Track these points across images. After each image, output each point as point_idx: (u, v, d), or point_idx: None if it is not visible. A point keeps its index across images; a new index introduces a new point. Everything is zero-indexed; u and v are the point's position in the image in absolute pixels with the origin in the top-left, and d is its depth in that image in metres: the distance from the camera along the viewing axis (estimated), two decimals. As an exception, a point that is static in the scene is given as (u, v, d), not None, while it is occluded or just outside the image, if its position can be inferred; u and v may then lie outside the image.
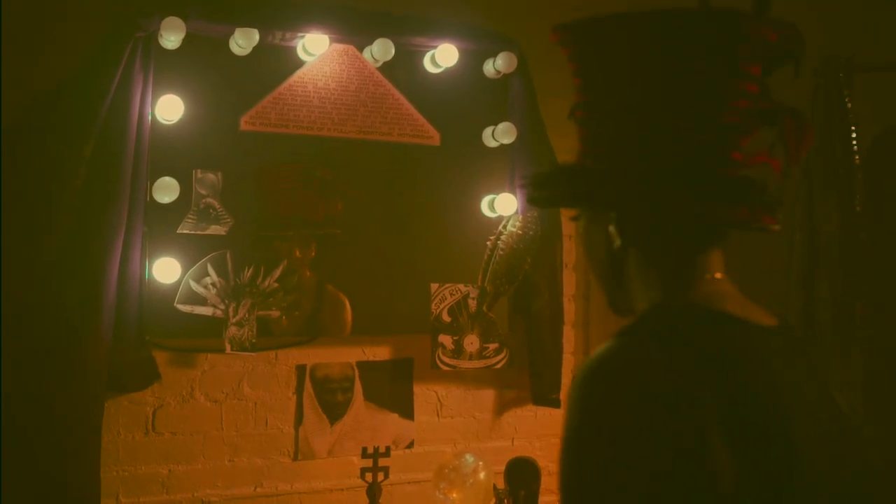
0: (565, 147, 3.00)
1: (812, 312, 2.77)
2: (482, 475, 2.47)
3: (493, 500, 2.50)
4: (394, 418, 2.78)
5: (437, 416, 2.87)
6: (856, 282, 2.71)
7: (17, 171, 2.31)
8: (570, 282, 3.10)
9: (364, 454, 2.50)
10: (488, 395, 2.93)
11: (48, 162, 2.32)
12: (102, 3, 2.44)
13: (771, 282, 2.84)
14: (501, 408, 2.95)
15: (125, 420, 2.51)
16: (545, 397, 2.90)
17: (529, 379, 2.91)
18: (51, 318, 2.31)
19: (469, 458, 2.49)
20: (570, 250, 3.06)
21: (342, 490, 2.70)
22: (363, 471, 2.49)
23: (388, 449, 2.52)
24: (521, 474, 2.56)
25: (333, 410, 2.71)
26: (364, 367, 2.75)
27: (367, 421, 2.74)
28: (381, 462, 2.49)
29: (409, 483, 2.75)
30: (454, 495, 2.44)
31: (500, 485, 2.58)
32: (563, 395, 2.98)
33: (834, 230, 2.75)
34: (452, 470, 2.47)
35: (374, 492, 2.47)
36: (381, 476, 2.49)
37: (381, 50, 2.64)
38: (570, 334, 3.09)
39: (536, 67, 2.90)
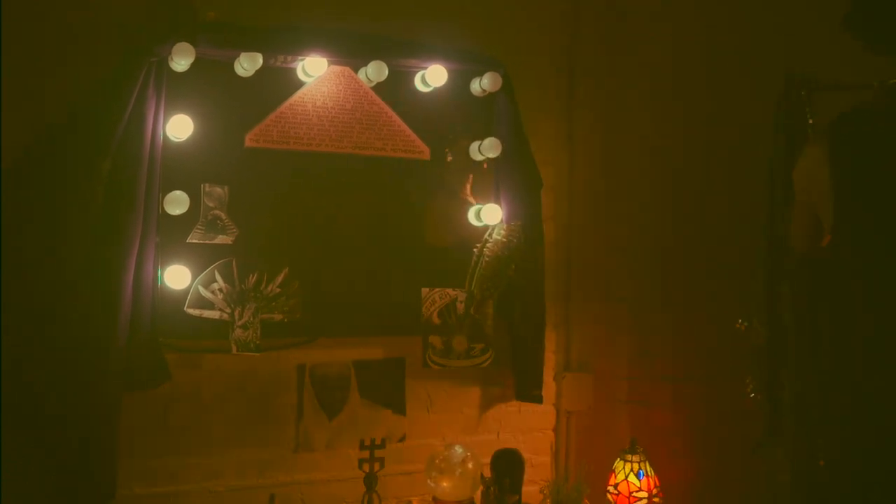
0: (545, 160, 3.23)
1: (776, 313, 2.96)
2: (470, 465, 2.68)
3: (481, 487, 2.71)
4: (387, 414, 2.99)
5: (428, 411, 3.07)
6: (815, 284, 2.91)
7: (41, 187, 2.50)
8: (558, 287, 3.31)
9: (361, 446, 2.70)
10: (475, 392, 3.14)
11: (70, 178, 2.52)
12: (119, 30, 2.63)
13: (738, 283, 3.04)
14: (487, 404, 3.16)
15: (140, 416, 2.70)
16: (528, 394, 3.11)
17: (513, 377, 3.12)
18: (73, 322, 2.51)
19: (458, 449, 2.69)
20: (551, 257, 3.26)
21: (340, 480, 2.90)
22: (361, 461, 2.69)
23: (383, 441, 2.72)
24: (506, 464, 2.78)
25: (331, 407, 2.91)
26: (359, 366, 2.95)
27: (362, 416, 2.94)
28: (377, 453, 2.70)
29: (401, 474, 2.95)
30: (444, 483, 2.65)
31: (487, 474, 2.79)
32: (545, 392, 3.19)
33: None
34: (443, 460, 2.68)
35: (370, 480, 2.68)
36: (377, 466, 2.69)
37: (375, 71, 2.84)
38: (552, 335, 3.29)
39: (520, 86, 3.11)
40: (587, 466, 3.03)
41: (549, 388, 3.27)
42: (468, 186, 3.05)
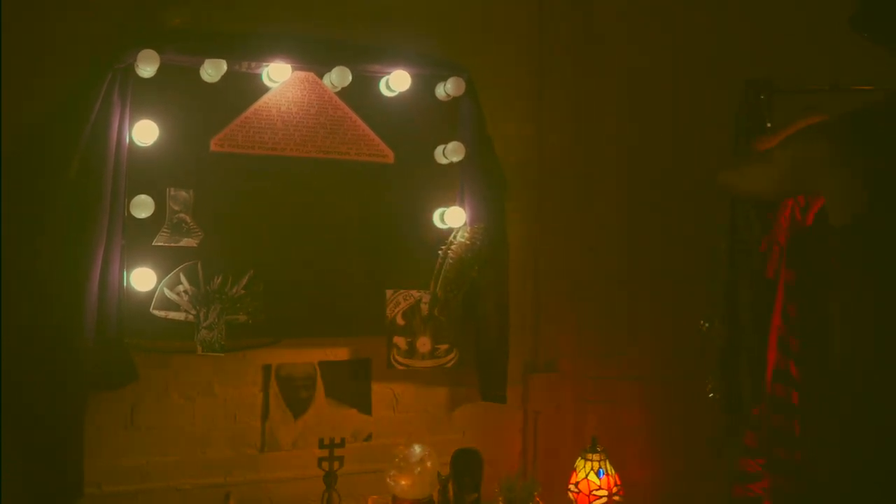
0: (515, 161, 3.28)
1: (735, 315, 3.01)
2: (429, 464, 2.73)
3: (438, 486, 2.76)
4: (353, 413, 3.04)
5: (394, 411, 3.12)
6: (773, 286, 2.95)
7: (11, 192, 2.57)
8: (526, 288, 3.36)
9: (321, 445, 2.75)
10: (441, 392, 3.19)
11: (38, 184, 2.58)
12: (86, 38, 2.69)
13: (698, 286, 3.09)
14: (453, 404, 3.21)
15: (107, 416, 2.75)
16: (492, 394, 3.15)
17: (478, 377, 3.16)
18: (39, 322, 2.57)
19: (417, 448, 2.74)
20: (520, 258, 3.32)
21: (305, 479, 2.94)
22: (320, 460, 2.74)
23: (342, 440, 2.78)
24: (466, 463, 2.83)
25: (297, 406, 2.97)
26: (325, 366, 3.01)
27: (328, 416, 2.99)
28: (337, 452, 2.75)
29: (367, 472, 2.99)
30: (403, 482, 2.70)
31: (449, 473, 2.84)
32: (512, 391, 3.24)
33: (754, 239, 2.99)
34: (402, 459, 2.73)
35: (330, 479, 2.73)
36: (336, 465, 2.75)
37: (338, 77, 2.89)
38: (520, 335, 3.34)
39: (489, 89, 3.16)
40: (549, 465, 3.09)
41: (515, 388, 3.31)
42: (433, 190, 3.10)
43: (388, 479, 2.73)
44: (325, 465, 2.75)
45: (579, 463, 3.00)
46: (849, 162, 1.94)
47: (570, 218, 3.40)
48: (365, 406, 3.06)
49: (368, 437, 3.06)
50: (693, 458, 3.25)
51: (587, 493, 2.94)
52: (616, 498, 2.96)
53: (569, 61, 3.41)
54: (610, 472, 2.97)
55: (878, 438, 1.88)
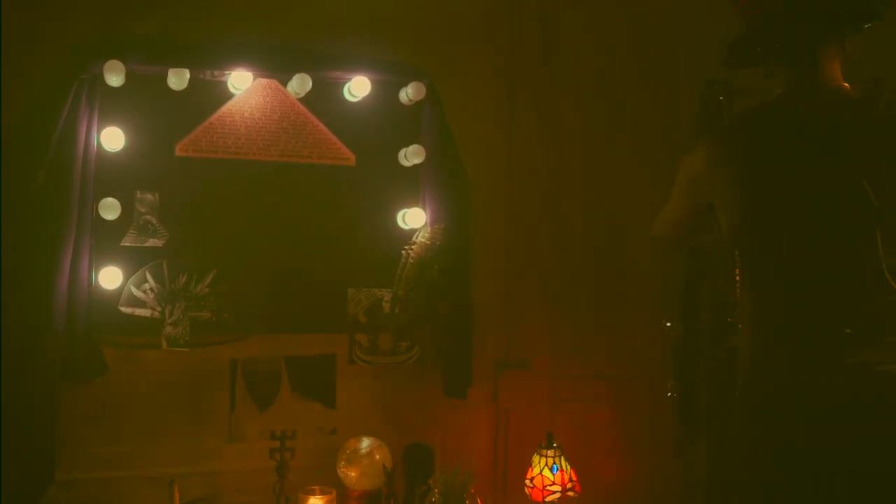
0: (485, 163, 3.35)
1: (694, 315, 3.02)
2: (378, 456, 2.82)
3: (385, 478, 2.84)
4: (318, 407, 3.15)
5: (359, 406, 3.22)
6: (733, 285, 2.96)
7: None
8: (497, 286, 3.42)
9: (272, 436, 2.87)
10: (406, 388, 3.26)
11: (9, 188, 2.75)
12: (53, 49, 2.85)
13: (657, 285, 3.12)
14: (418, 399, 3.28)
15: (78, 406, 2.91)
16: (455, 390, 3.22)
17: (442, 374, 3.24)
18: (11, 318, 2.73)
19: (366, 441, 2.84)
20: (497, 259, 3.39)
21: (270, 470, 3.05)
22: (271, 451, 2.86)
23: (294, 432, 2.89)
24: (418, 457, 2.91)
25: (263, 400, 3.09)
26: (290, 361, 3.12)
27: (293, 409, 3.10)
28: (288, 444, 2.86)
29: (327, 466, 3.10)
30: (352, 473, 2.80)
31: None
32: (482, 389, 3.31)
33: (714, 240, 3.01)
34: (353, 452, 2.83)
35: (282, 469, 2.84)
36: (288, 456, 2.86)
37: (299, 84, 3.01)
38: (491, 333, 3.41)
39: (448, 94, 3.23)
40: (520, 461, 3.14)
41: (486, 385, 3.38)
42: (397, 191, 3.19)
43: (338, 471, 2.82)
44: (277, 455, 2.86)
45: (535, 458, 3.05)
46: (728, 161, 1.99)
47: (540, 217, 3.45)
48: (330, 400, 3.16)
49: (334, 431, 3.16)
50: (663, 457, 3.27)
51: (541, 488, 2.99)
52: (571, 494, 3.00)
53: (539, 65, 3.46)
54: (564, 468, 3.01)
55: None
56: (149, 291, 2.92)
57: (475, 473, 2.81)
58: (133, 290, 2.91)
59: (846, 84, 2.09)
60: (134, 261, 2.92)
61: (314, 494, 2.81)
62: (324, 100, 3.11)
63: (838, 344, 1.90)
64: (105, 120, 2.87)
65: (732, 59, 2.19)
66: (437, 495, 2.69)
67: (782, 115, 2.05)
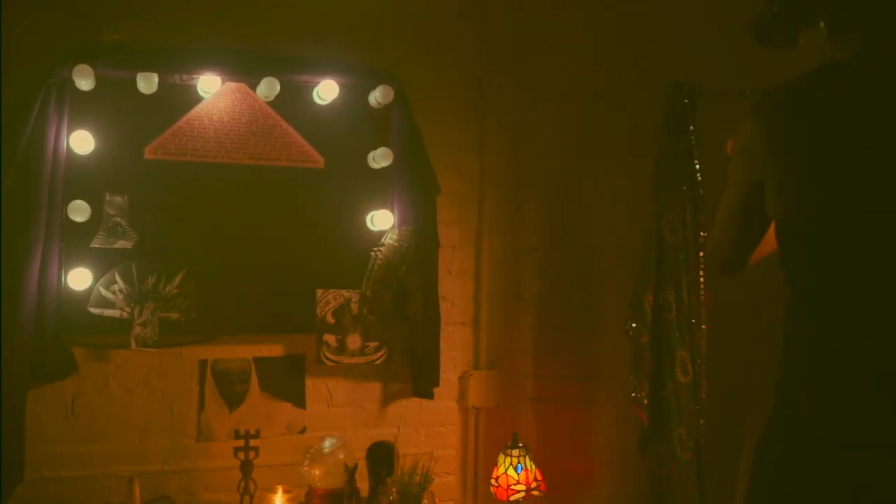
0: (455, 166, 3.38)
1: (659, 313, 3.05)
2: (341, 455, 2.86)
3: (347, 476, 2.88)
4: (287, 407, 3.19)
5: (328, 405, 3.26)
6: (697, 286, 2.99)
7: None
8: (467, 287, 3.47)
9: (236, 435, 2.91)
10: (375, 388, 3.31)
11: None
12: (20, 54, 2.89)
13: (626, 286, 3.14)
14: (387, 399, 3.33)
15: (48, 406, 2.96)
16: (422, 390, 3.27)
17: (409, 374, 3.28)
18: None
19: (329, 440, 2.88)
20: (467, 260, 3.43)
21: (238, 468, 3.10)
22: (236, 450, 2.90)
23: (257, 431, 2.93)
24: (381, 455, 2.95)
25: (232, 399, 3.13)
26: (260, 361, 3.16)
27: (262, 409, 3.15)
28: (252, 443, 2.90)
29: (296, 464, 3.13)
30: (316, 472, 2.84)
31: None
32: (450, 388, 3.35)
33: (679, 241, 3.03)
34: (316, 451, 2.86)
35: (246, 468, 2.88)
36: (252, 454, 2.90)
37: (267, 87, 3.04)
38: (462, 333, 3.45)
39: (417, 97, 3.27)
40: (490, 460, 3.17)
41: (454, 384, 3.42)
42: (365, 193, 3.22)
43: (303, 470, 2.86)
44: (241, 454, 2.90)
45: (500, 458, 3.09)
46: (780, 139, 1.61)
47: (510, 219, 3.49)
48: (299, 400, 3.20)
49: (303, 430, 3.20)
50: (632, 457, 3.30)
51: (506, 487, 3.02)
52: (535, 493, 3.03)
53: (509, 69, 3.50)
54: (529, 468, 3.04)
55: None
56: (118, 292, 2.96)
57: (442, 473, 2.84)
58: (102, 291, 2.94)
59: None
60: (103, 262, 2.96)
61: (277, 493, 2.85)
62: (292, 103, 3.14)
63: None
64: (75, 123, 2.91)
65: (766, 21, 1.82)
66: (394, 494, 2.72)
67: (847, 87, 1.59)
